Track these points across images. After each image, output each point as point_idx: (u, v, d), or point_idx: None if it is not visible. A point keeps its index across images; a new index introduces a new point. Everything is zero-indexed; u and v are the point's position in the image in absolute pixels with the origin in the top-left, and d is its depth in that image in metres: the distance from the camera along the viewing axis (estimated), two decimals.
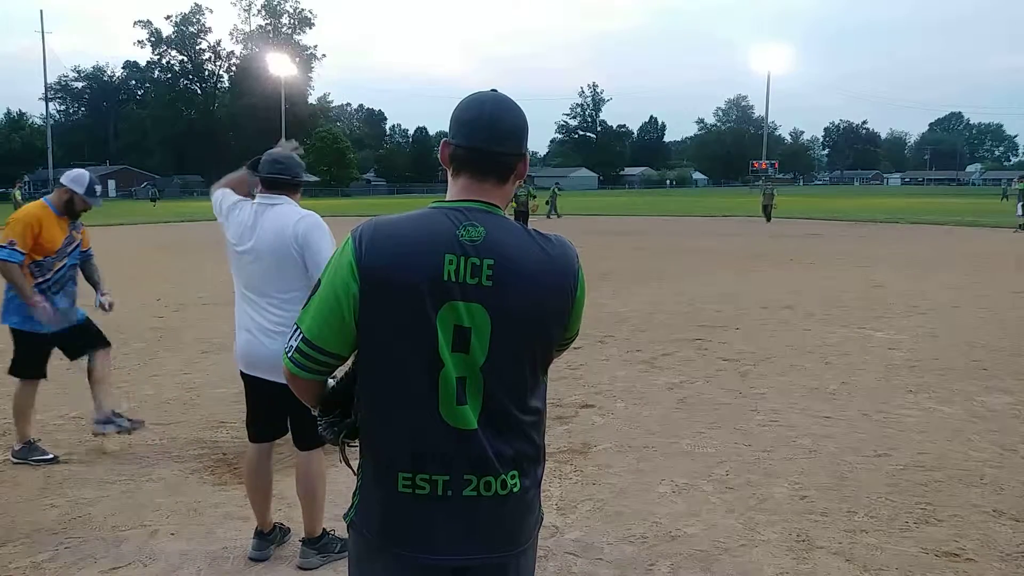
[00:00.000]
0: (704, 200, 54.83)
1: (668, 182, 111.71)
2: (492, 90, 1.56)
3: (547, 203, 32.05)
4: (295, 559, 3.26)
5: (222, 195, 3.28)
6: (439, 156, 1.57)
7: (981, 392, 5.81)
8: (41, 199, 4.57)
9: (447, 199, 1.54)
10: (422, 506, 1.48)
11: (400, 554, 1.50)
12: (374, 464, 1.53)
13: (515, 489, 1.51)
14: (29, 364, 4.50)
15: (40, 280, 4.38)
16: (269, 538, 3.34)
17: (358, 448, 1.59)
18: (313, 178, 3.51)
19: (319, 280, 1.51)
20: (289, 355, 1.53)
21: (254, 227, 3.04)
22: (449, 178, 1.57)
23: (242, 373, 3.19)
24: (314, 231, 2.97)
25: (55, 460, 4.45)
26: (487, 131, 1.50)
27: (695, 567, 3.21)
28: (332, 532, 3.29)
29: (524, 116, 1.55)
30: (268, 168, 3.13)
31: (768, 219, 28.55)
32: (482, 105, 1.53)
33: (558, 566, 3.23)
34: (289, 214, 3.02)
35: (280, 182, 3.12)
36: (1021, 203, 23.43)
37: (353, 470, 1.63)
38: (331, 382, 1.62)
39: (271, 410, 3.14)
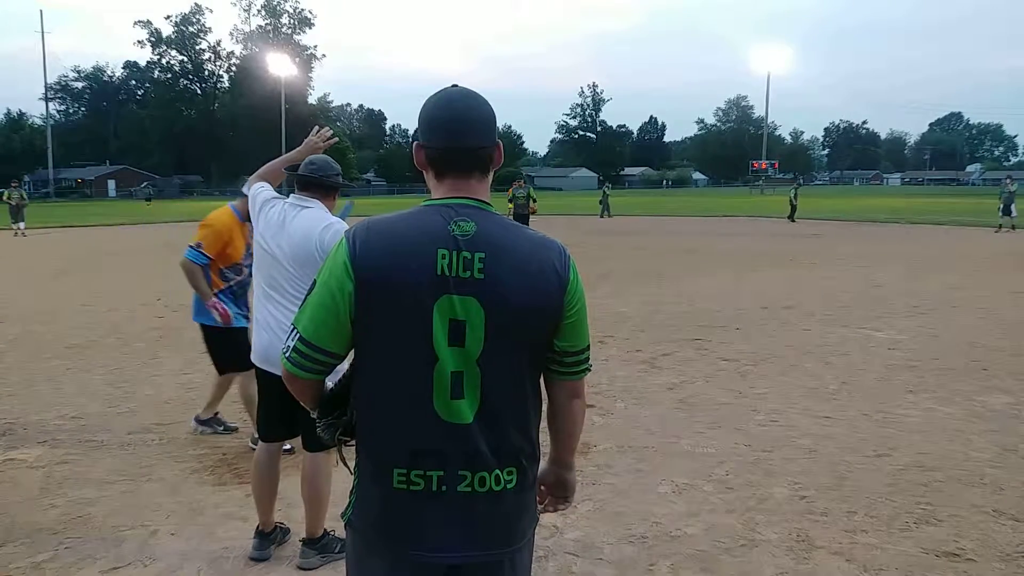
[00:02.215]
0: (704, 200, 54.81)
1: (664, 182, 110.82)
2: (453, 85, 1.57)
3: (600, 203, 34.37)
4: (295, 559, 3.26)
5: (259, 189, 3.23)
6: (414, 160, 1.57)
7: (981, 392, 5.81)
8: (227, 206, 4.59)
9: (436, 197, 1.54)
10: (417, 502, 1.49)
11: (396, 551, 1.51)
12: (370, 461, 1.54)
13: (509, 486, 1.52)
14: (234, 358, 4.56)
15: (223, 287, 4.51)
16: (270, 538, 3.34)
17: (355, 447, 1.60)
18: (352, 185, 3.50)
19: (314, 281, 1.53)
20: (287, 355, 1.53)
21: (281, 228, 3.04)
22: (431, 179, 1.56)
23: (258, 371, 3.19)
24: (336, 240, 2.95)
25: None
26: (463, 129, 1.51)
27: (695, 567, 3.21)
28: (332, 532, 3.30)
29: (491, 106, 1.56)
30: (302, 168, 3.14)
31: (792, 219, 28.89)
32: (452, 103, 1.53)
33: (558, 566, 3.22)
34: (317, 220, 3.01)
35: (313, 183, 3.11)
36: (1010, 204, 23.43)
37: (350, 469, 1.63)
38: (329, 384, 1.63)
39: (285, 410, 3.14)
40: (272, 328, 3.06)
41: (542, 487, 1.76)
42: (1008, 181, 24.25)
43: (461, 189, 1.53)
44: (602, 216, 33.20)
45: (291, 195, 3.15)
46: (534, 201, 17.70)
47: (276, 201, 3.15)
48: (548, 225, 22.09)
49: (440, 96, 1.54)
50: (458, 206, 1.50)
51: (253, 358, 3.18)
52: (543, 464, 1.74)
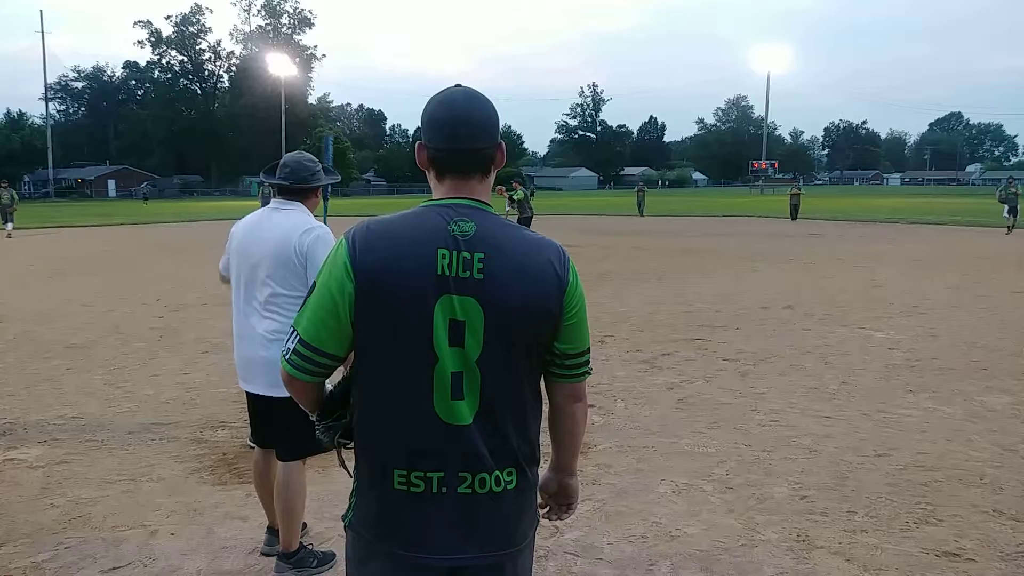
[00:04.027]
0: (704, 200, 54.81)
1: (660, 182, 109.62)
2: (456, 85, 1.57)
3: (636, 203, 34.94)
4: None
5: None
6: (416, 160, 1.57)
7: (981, 392, 5.81)
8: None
9: (436, 198, 1.54)
10: (417, 504, 1.48)
11: (396, 553, 1.50)
12: (369, 463, 1.54)
13: (509, 487, 1.52)
14: None
15: None
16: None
17: (354, 450, 1.59)
18: (335, 178, 3.48)
19: (314, 282, 1.52)
20: (287, 357, 1.53)
21: (258, 231, 2.99)
22: (432, 179, 1.57)
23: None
24: (319, 245, 2.87)
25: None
26: (463, 130, 1.51)
27: (695, 567, 3.21)
28: (310, 546, 3.22)
29: (493, 106, 1.55)
30: (277, 174, 3.09)
31: (794, 218, 29.18)
32: (453, 104, 1.52)
33: (558, 566, 3.22)
34: (296, 223, 2.93)
35: (287, 188, 3.06)
36: (1015, 205, 23.42)
37: (350, 472, 1.63)
38: (329, 386, 1.62)
39: (261, 418, 3.13)
40: (243, 336, 3.02)
41: (546, 495, 1.75)
42: (1012, 182, 24.23)
43: (461, 189, 1.53)
44: (642, 215, 33.61)
45: (272, 201, 3.11)
46: (525, 202, 17.00)
47: (254, 210, 3.19)
48: (547, 226, 22.10)
49: (443, 96, 1.54)
50: (458, 206, 1.50)
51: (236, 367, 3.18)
52: (545, 471, 1.74)
